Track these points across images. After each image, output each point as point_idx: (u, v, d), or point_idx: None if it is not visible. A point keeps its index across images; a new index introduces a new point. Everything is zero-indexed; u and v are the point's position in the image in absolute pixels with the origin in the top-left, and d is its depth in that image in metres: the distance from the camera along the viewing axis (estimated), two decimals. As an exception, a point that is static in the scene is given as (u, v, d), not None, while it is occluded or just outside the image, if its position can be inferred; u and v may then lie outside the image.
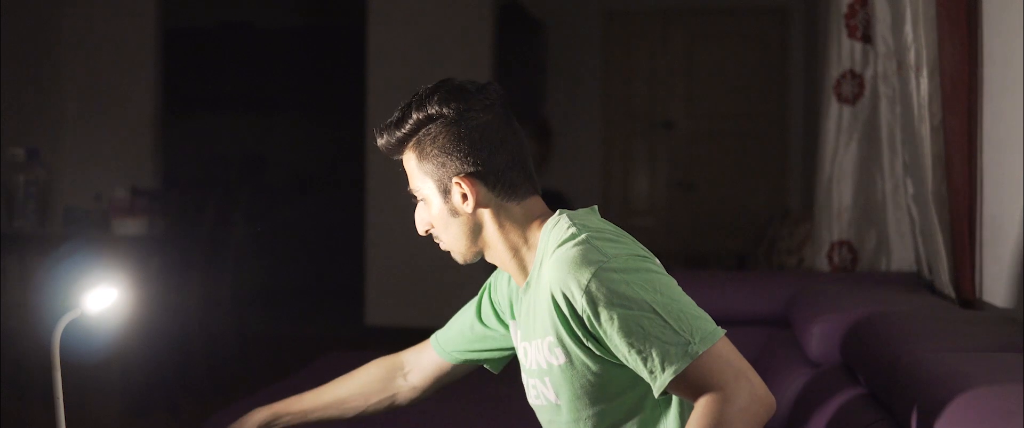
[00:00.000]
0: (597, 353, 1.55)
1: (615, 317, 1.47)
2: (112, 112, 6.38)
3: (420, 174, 1.67)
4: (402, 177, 1.72)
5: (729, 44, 7.91)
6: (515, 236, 1.66)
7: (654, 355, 1.45)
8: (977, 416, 1.33)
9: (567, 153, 7.83)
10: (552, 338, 1.60)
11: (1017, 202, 2.31)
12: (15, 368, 4.47)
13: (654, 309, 1.46)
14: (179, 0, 6.98)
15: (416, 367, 1.94)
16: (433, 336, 1.94)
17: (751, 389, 1.43)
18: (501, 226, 1.65)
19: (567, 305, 1.52)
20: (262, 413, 1.92)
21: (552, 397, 1.66)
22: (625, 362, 1.50)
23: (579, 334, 1.54)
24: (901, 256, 3.27)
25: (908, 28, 2.75)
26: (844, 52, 3.35)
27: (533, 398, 1.72)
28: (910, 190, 2.97)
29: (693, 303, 1.51)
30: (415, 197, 1.70)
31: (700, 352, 1.44)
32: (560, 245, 1.54)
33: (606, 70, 7.97)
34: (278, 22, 8.45)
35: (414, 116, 1.65)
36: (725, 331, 1.48)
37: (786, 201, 7.44)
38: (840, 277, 3.16)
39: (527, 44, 7.31)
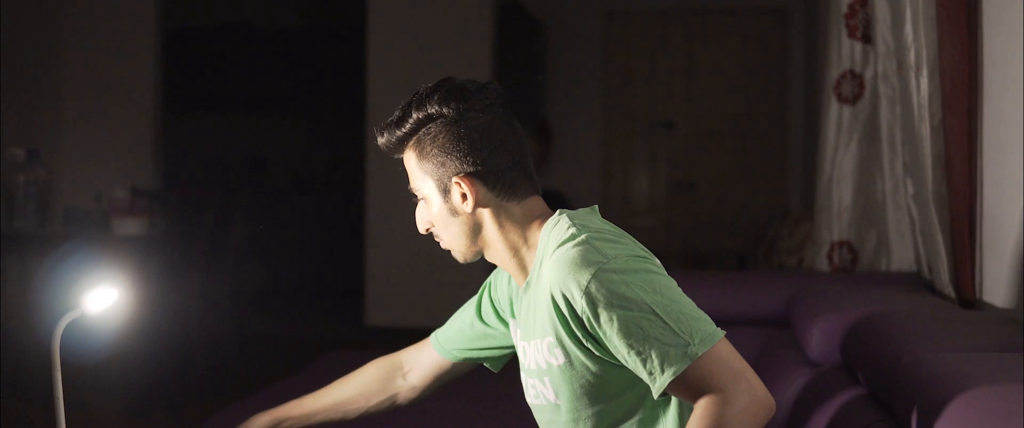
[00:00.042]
0: (596, 354, 1.55)
1: (615, 318, 1.47)
2: (112, 112, 6.38)
3: (420, 173, 1.67)
4: (402, 177, 1.72)
5: (729, 44, 7.91)
6: (515, 236, 1.66)
7: (653, 356, 1.45)
8: (977, 416, 1.33)
9: (567, 153, 7.83)
10: (552, 338, 1.60)
11: (1017, 202, 2.31)
12: (15, 368, 4.47)
13: (654, 310, 1.46)
14: (179, 0, 6.98)
15: (416, 366, 1.94)
16: (433, 334, 1.94)
17: (750, 390, 1.43)
18: (501, 226, 1.65)
19: (567, 306, 1.52)
20: (263, 418, 1.92)
21: (551, 397, 1.66)
22: (624, 363, 1.50)
23: (578, 335, 1.54)
24: (901, 256, 3.27)
25: (908, 28, 2.75)
26: (844, 52, 3.35)
27: (532, 397, 1.72)
28: (910, 190, 2.97)
29: (693, 304, 1.50)
30: (416, 196, 1.70)
31: (699, 353, 1.44)
32: (560, 245, 1.54)
33: (606, 70, 7.97)
34: (278, 22, 8.45)
35: (414, 115, 1.65)
36: (724, 333, 1.47)
37: (786, 201, 7.44)
38: (840, 277, 3.15)
39: (527, 44, 7.31)
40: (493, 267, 1.77)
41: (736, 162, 7.86)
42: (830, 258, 3.41)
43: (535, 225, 1.65)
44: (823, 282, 2.86)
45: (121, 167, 6.11)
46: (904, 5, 2.79)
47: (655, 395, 1.47)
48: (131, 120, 6.38)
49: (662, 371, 1.45)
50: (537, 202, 1.68)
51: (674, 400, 1.61)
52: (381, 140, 1.69)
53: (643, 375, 1.48)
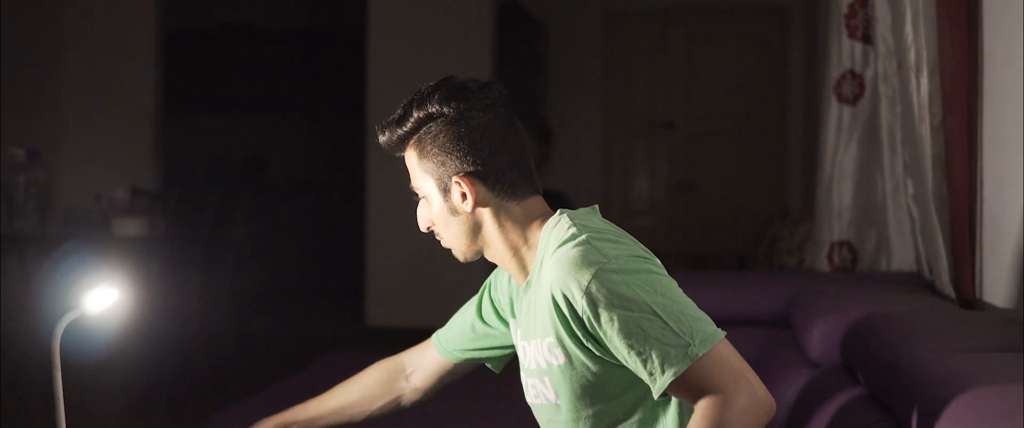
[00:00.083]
0: (597, 354, 1.55)
1: (615, 318, 1.47)
2: (112, 112, 6.38)
3: (420, 172, 1.67)
4: (402, 177, 1.72)
5: (729, 44, 7.91)
6: (515, 236, 1.66)
7: (654, 357, 1.45)
8: (977, 416, 1.33)
9: (567, 153, 7.83)
10: (552, 338, 1.60)
11: (1017, 202, 2.31)
12: (15, 368, 4.47)
13: (654, 311, 1.46)
14: (179, 0, 6.98)
15: (418, 368, 1.94)
16: (434, 335, 1.94)
17: (751, 391, 1.43)
18: (501, 226, 1.65)
19: (567, 306, 1.52)
20: (268, 424, 1.92)
21: (552, 397, 1.66)
22: (625, 363, 1.50)
23: (579, 335, 1.54)
24: (901, 256, 3.27)
25: (908, 28, 2.75)
26: (844, 52, 3.35)
27: (532, 397, 1.72)
28: (910, 190, 2.97)
29: (693, 305, 1.50)
30: (417, 194, 1.71)
31: (700, 354, 1.44)
32: (561, 245, 1.54)
33: (606, 70, 7.97)
34: (278, 23, 8.45)
35: (415, 114, 1.65)
36: (725, 333, 1.47)
37: (786, 201, 7.44)
38: (840, 277, 3.15)
39: (527, 44, 7.31)
40: (494, 267, 1.77)
41: (736, 162, 7.86)
42: (830, 258, 3.41)
43: (535, 225, 1.65)
44: (823, 282, 2.86)
45: (121, 167, 6.11)
46: (904, 5, 2.79)
47: (655, 395, 1.47)
48: (131, 120, 6.38)
49: (662, 371, 1.45)
50: (538, 202, 1.67)
51: (674, 400, 1.60)
52: (382, 138, 1.70)
53: (643, 375, 1.48)
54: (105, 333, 4.03)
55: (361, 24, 6.49)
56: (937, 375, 1.53)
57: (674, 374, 1.44)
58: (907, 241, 3.23)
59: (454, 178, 1.64)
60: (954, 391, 1.41)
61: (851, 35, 3.33)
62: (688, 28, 7.96)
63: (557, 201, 1.86)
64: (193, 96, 8.20)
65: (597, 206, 1.68)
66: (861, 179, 3.36)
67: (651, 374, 1.46)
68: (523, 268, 1.67)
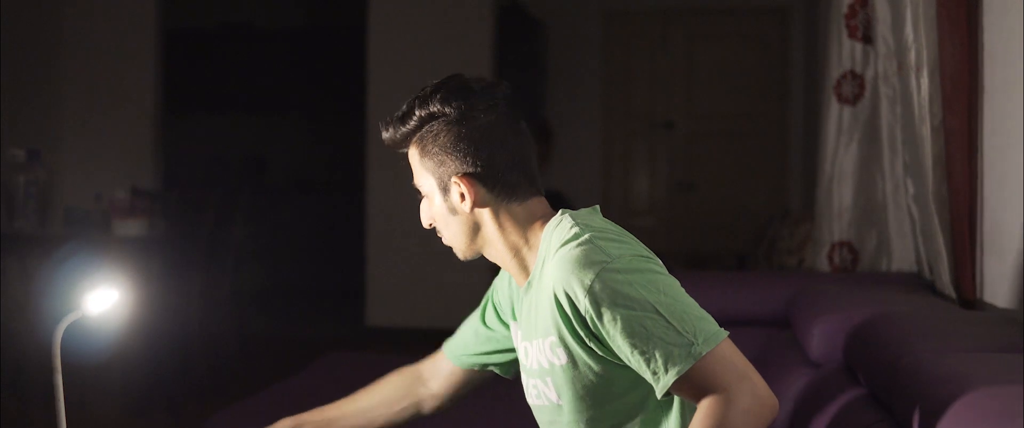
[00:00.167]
0: (599, 353, 1.55)
1: (618, 318, 1.47)
2: (112, 112, 6.38)
3: (422, 170, 1.68)
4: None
5: (729, 44, 7.91)
6: (515, 236, 1.66)
7: (657, 356, 1.45)
8: (978, 417, 1.33)
9: (567, 153, 7.83)
10: (554, 338, 1.60)
11: (1018, 202, 2.31)
12: (16, 369, 4.48)
13: (657, 310, 1.46)
14: (179, 0, 6.98)
15: (434, 374, 1.95)
16: (444, 342, 1.95)
17: (754, 390, 1.43)
18: (501, 226, 1.65)
19: (570, 305, 1.52)
20: (286, 422, 1.92)
21: (554, 397, 1.66)
22: (628, 363, 1.50)
23: (582, 334, 1.54)
24: (902, 256, 3.27)
25: (908, 28, 2.75)
26: (845, 52, 3.35)
27: (533, 398, 1.72)
28: (911, 190, 2.97)
29: (696, 304, 1.51)
30: (419, 191, 1.71)
31: (703, 353, 1.44)
32: (563, 245, 1.54)
33: (606, 70, 7.98)
34: (278, 23, 8.45)
35: (417, 113, 1.65)
36: (728, 333, 1.47)
37: (786, 201, 7.44)
38: (841, 277, 3.15)
39: (527, 44, 7.31)
40: (496, 267, 1.77)
41: (736, 162, 7.86)
42: (830, 258, 3.40)
43: (536, 225, 1.65)
44: (823, 282, 2.86)
45: (121, 167, 6.11)
46: (904, 5, 2.79)
47: (658, 395, 1.47)
48: (131, 120, 6.38)
49: (666, 371, 1.45)
50: (539, 203, 1.67)
51: (677, 401, 1.60)
52: (385, 134, 1.70)
53: (647, 375, 1.48)
54: (105, 334, 4.03)
55: (361, 24, 6.49)
56: (937, 375, 1.53)
57: (678, 373, 1.44)
58: (907, 241, 3.23)
59: (453, 178, 1.64)
60: (955, 392, 1.41)
61: (851, 35, 3.33)
62: (688, 28, 7.96)
63: (558, 201, 1.87)
64: (193, 96, 8.20)
65: (598, 206, 1.68)
66: (861, 179, 3.36)
67: (654, 373, 1.46)
68: (524, 268, 1.67)
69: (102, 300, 1.56)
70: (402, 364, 2.01)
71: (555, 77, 7.85)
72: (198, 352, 4.95)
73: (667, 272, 1.54)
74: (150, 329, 4.59)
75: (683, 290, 1.52)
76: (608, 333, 1.49)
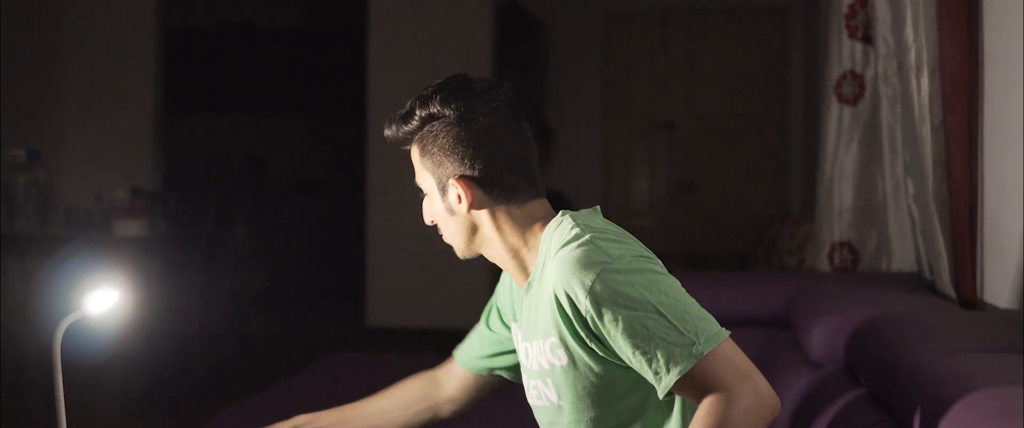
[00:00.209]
0: (600, 354, 1.55)
1: (619, 318, 1.47)
2: (112, 113, 6.38)
3: (422, 169, 1.69)
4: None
5: (729, 44, 7.91)
6: (514, 238, 1.66)
7: (659, 356, 1.45)
8: (978, 418, 1.33)
9: (567, 153, 7.83)
10: (554, 339, 1.60)
11: (1018, 202, 2.31)
12: (16, 369, 4.48)
13: (658, 310, 1.46)
14: (179, 0, 6.98)
15: (449, 379, 1.96)
16: (456, 348, 1.95)
17: (755, 389, 1.43)
18: (499, 228, 1.66)
19: (570, 306, 1.52)
20: (302, 418, 1.93)
21: (554, 398, 1.66)
22: (629, 363, 1.50)
23: (582, 335, 1.54)
24: (902, 257, 3.27)
25: (908, 28, 2.75)
26: (845, 52, 3.35)
27: (534, 399, 1.72)
28: (911, 190, 2.97)
29: (697, 304, 1.50)
30: (420, 189, 1.72)
31: (705, 352, 1.44)
32: (563, 246, 1.54)
33: (606, 70, 7.97)
34: (279, 23, 8.45)
35: (418, 113, 1.66)
36: (729, 332, 1.47)
37: (786, 201, 7.44)
38: (841, 278, 3.15)
39: (527, 44, 7.31)
40: (496, 266, 1.77)
41: (736, 162, 7.86)
42: (831, 258, 3.40)
43: (536, 227, 1.65)
44: (824, 282, 2.86)
45: (121, 168, 6.11)
46: (905, 5, 2.79)
47: (660, 395, 1.47)
48: (131, 120, 6.38)
49: (668, 370, 1.45)
50: (540, 205, 1.67)
51: (677, 403, 1.60)
52: (388, 132, 1.71)
53: (648, 375, 1.48)
54: (106, 334, 4.04)
55: (361, 24, 6.49)
56: (938, 376, 1.53)
57: (680, 373, 1.44)
58: (908, 241, 3.23)
59: (451, 180, 1.64)
60: (955, 392, 1.41)
61: (851, 35, 3.33)
62: (688, 28, 7.96)
63: (558, 201, 1.86)
64: (193, 96, 8.20)
65: (598, 207, 1.68)
66: (862, 179, 3.36)
67: (656, 373, 1.46)
68: (523, 269, 1.67)
69: (102, 300, 1.56)
70: (403, 365, 2.01)
71: (555, 77, 7.85)
72: (198, 352, 4.95)
73: (668, 272, 1.54)
74: (150, 329, 4.59)
75: (684, 290, 1.52)
76: (609, 334, 1.49)
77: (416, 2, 6.42)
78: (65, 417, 1.52)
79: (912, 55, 2.73)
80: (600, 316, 1.48)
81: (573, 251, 1.52)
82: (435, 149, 1.65)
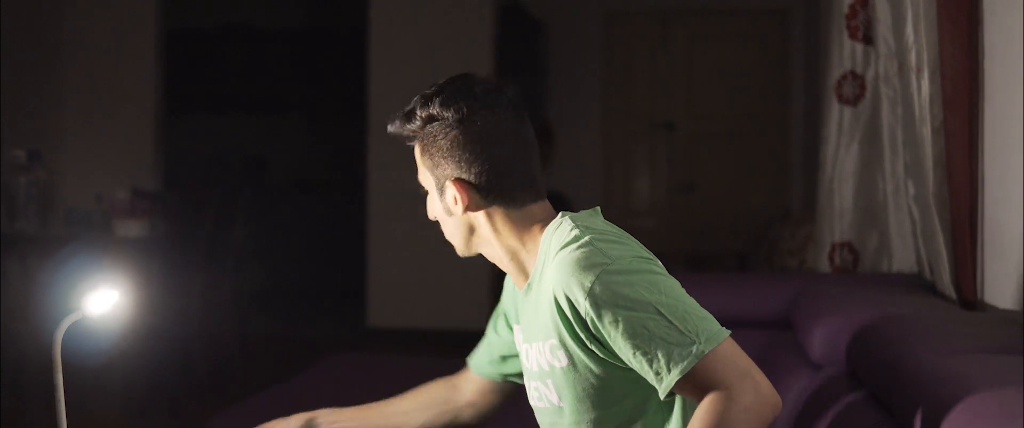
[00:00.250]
0: (600, 355, 1.55)
1: (619, 320, 1.47)
2: (113, 113, 6.38)
3: (422, 168, 1.70)
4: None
5: (729, 44, 7.91)
6: (512, 240, 1.66)
7: (660, 356, 1.45)
8: (979, 419, 1.33)
9: (567, 154, 7.83)
10: (554, 341, 1.60)
11: (1018, 203, 2.31)
12: (16, 369, 4.48)
13: (658, 310, 1.46)
14: (180, 1, 6.98)
15: (466, 384, 1.96)
16: (470, 355, 1.96)
17: (756, 389, 1.43)
18: (496, 230, 1.66)
19: (570, 308, 1.52)
20: (324, 413, 1.93)
21: (555, 399, 1.66)
22: (630, 364, 1.50)
23: (582, 337, 1.54)
24: (902, 257, 3.27)
25: (909, 29, 2.75)
26: (845, 53, 3.35)
27: (535, 400, 1.72)
28: (911, 191, 2.97)
29: (697, 304, 1.50)
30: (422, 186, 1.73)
31: (706, 352, 1.43)
32: (563, 247, 1.54)
33: (606, 70, 7.97)
34: (279, 23, 8.45)
35: (419, 113, 1.66)
36: (730, 331, 1.47)
37: (787, 202, 7.44)
38: (842, 278, 3.15)
39: (527, 44, 7.31)
40: (497, 267, 1.77)
41: (737, 163, 7.86)
42: (831, 259, 3.40)
43: (535, 229, 1.65)
44: (824, 283, 2.86)
45: (122, 168, 6.11)
46: (905, 6, 2.79)
47: (661, 395, 1.47)
48: (132, 121, 6.39)
49: (669, 370, 1.45)
50: (540, 207, 1.67)
51: (678, 404, 1.60)
52: (391, 128, 1.71)
53: (649, 376, 1.47)
54: (106, 334, 4.04)
55: (361, 24, 6.49)
56: (938, 377, 1.53)
57: (681, 372, 1.44)
58: (908, 242, 3.23)
59: (447, 182, 1.64)
60: (955, 393, 1.41)
61: (852, 36, 3.32)
62: (688, 28, 7.96)
63: (558, 202, 1.86)
64: (193, 96, 8.20)
65: (599, 208, 1.68)
66: (862, 180, 3.36)
67: (657, 374, 1.46)
68: (522, 271, 1.68)
69: (103, 301, 1.56)
70: (403, 365, 2.02)
71: (555, 77, 7.85)
72: (199, 352, 4.95)
73: (668, 273, 1.54)
74: (151, 330, 4.59)
75: (684, 291, 1.52)
76: (609, 335, 1.49)
77: (416, 2, 6.42)
78: (66, 417, 1.52)
79: (913, 56, 2.73)
80: (600, 318, 1.48)
81: (572, 253, 1.52)
82: (434, 150, 1.65)
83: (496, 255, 1.69)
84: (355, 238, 6.86)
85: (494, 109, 1.63)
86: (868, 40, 3.30)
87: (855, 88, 3.34)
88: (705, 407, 1.43)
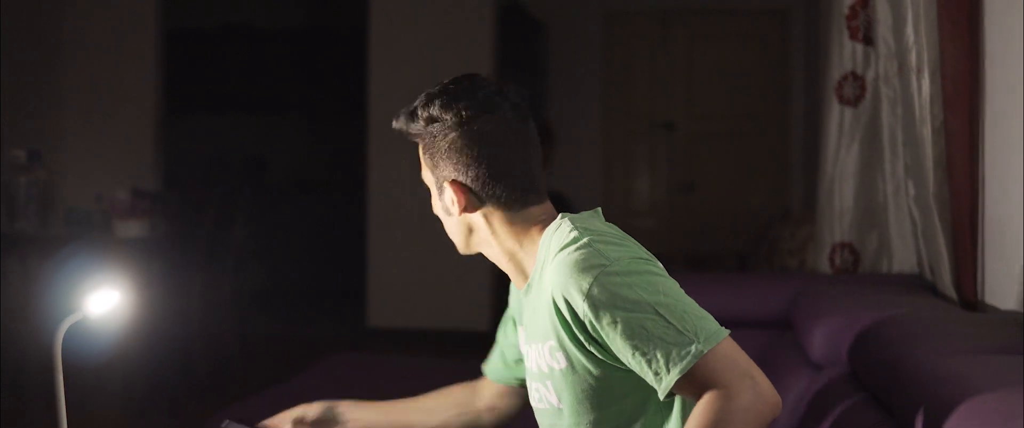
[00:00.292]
0: (599, 357, 1.55)
1: (618, 321, 1.47)
2: (113, 113, 6.38)
3: (424, 167, 1.70)
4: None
5: (729, 44, 7.91)
6: (510, 242, 1.66)
7: (658, 356, 1.45)
8: (980, 419, 1.33)
9: (567, 154, 7.82)
10: (553, 342, 1.60)
11: (1018, 203, 2.31)
12: (16, 370, 4.48)
13: (657, 311, 1.46)
14: (180, 1, 6.98)
15: (485, 388, 1.97)
16: (484, 362, 1.97)
17: (755, 388, 1.42)
18: (494, 232, 1.66)
19: (568, 309, 1.52)
20: (346, 405, 1.94)
21: (554, 401, 1.66)
22: (629, 365, 1.50)
23: (581, 338, 1.54)
24: (903, 258, 3.27)
25: (909, 29, 2.75)
26: (845, 54, 3.35)
27: (536, 401, 1.72)
28: (911, 192, 2.97)
29: (696, 304, 1.50)
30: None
31: (705, 351, 1.43)
32: (562, 248, 1.54)
33: (606, 70, 7.97)
34: (279, 23, 8.45)
35: (421, 114, 1.66)
36: (729, 331, 1.47)
37: (787, 202, 7.44)
38: (842, 279, 3.15)
39: (527, 44, 7.31)
40: (497, 267, 1.78)
41: (737, 163, 7.86)
42: (832, 259, 3.40)
43: (534, 230, 1.65)
44: (825, 284, 2.86)
45: (122, 168, 6.11)
46: (905, 6, 2.79)
47: (661, 396, 1.47)
48: (132, 121, 6.39)
49: (668, 371, 1.44)
50: (541, 208, 1.67)
51: (677, 405, 1.60)
52: (395, 124, 1.71)
53: (648, 377, 1.47)
54: (106, 335, 4.04)
55: (361, 24, 6.49)
56: (939, 377, 1.53)
57: (680, 372, 1.43)
58: (908, 243, 3.23)
59: (445, 183, 1.65)
60: (956, 394, 1.41)
61: (852, 36, 3.32)
62: (688, 28, 7.96)
63: (559, 202, 1.86)
64: (193, 96, 8.20)
65: (599, 209, 1.68)
66: (862, 180, 3.36)
67: (656, 374, 1.46)
68: (521, 272, 1.68)
69: (103, 301, 1.56)
70: (404, 366, 2.02)
71: (555, 77, 7.85)
72: (199, 352, 4.95)
73: (667, 274, 1.54)
74: (151, 330, 4.59)
75: (683, 291, 1.52)
76: (608, 336, 1.48)
77: (416, 2, 6.42)
78: (66, 418, 1.52)
79: (913, 56, 2.73)
80: (598, 319, 1.48)
81: (571, 254, 1.52)
82: (434, 151, 1.66)
83: (495, 255, 1.69)
84: (355, 238, 6.86)
85: (495, 113, 1.63)
86: (868, 40, 3.30)
87: (855, 89, 3.34)
88: (703, 405, 1.42)
